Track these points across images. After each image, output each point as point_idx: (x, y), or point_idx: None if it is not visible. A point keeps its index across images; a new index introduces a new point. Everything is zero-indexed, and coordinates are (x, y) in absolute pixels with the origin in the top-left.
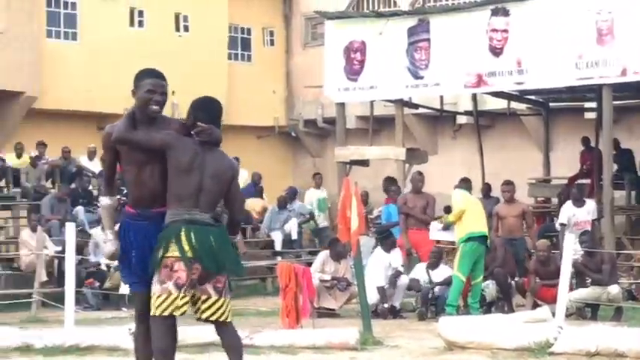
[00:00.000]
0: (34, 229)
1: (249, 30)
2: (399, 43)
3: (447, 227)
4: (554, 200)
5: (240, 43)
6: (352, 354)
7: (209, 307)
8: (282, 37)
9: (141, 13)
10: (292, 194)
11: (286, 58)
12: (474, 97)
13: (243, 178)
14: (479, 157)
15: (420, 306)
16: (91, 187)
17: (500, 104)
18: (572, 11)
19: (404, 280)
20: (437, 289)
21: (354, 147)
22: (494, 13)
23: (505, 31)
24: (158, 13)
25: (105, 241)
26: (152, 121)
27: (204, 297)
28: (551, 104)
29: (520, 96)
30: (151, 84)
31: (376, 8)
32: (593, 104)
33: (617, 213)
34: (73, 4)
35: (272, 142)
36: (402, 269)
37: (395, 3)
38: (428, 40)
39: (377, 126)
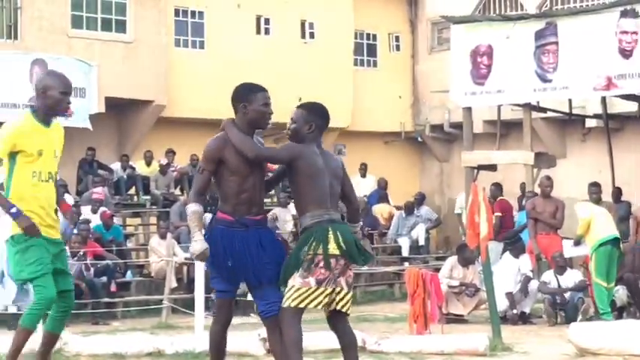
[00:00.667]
0: (163, 236)
1: (374, 36)
2: (527, 46)
3: (579, 242)
4: None
5: (365, 49)
6: None
7: (341, 299)
8: (408, 42)
9: (267, 21)
10: (420, 199)
11: (412, 63)
12: (604, 100)
13: (370, 184)
14: (608, 160)
15: (549, 311)
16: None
17: (631, 107)
18: None
19: (534, 285)
20: (567, 294)
21: (481, 152)
22: (624, 14)
23: (635, 32)
24: (284, 20)
25: (196, 239)
26: (252, 132)
27: (338, 289)
28: None
29: None
30: (265, 97)
31: (503, 12)
32: None
33: None
34: (201, 14)
35: (398, 148)
36: (531, 274)
37: (522, 6)
38: (556, 43)
39: (504, 130)
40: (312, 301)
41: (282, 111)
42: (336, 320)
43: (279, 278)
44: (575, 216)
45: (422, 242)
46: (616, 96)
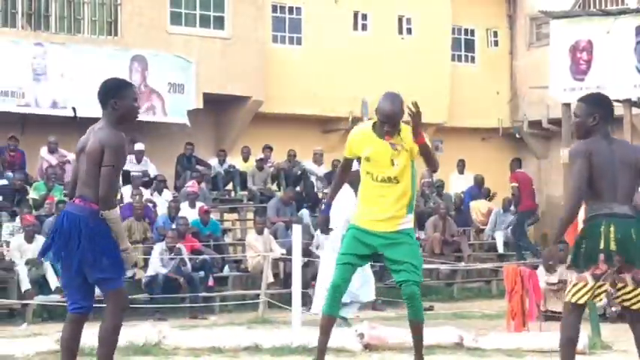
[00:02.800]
0: (260, 232)
1: (472, 31)
2: (627, 41)
3: None
4: None
5: (463, 45)
6: (581, 358)
7: (624, 295)
8: (506, 38)
9: (364, 17)
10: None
11: (510, 58)
12: None
13: (468, 181)
14: None
15: None
16: (316, 190)
17: None
18: None
19: None
20: None
21: None
22: None
23: None
24: (382, 16)
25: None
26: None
27: (620, 285)
28: None
29: None
30: (135, 93)
31: (603, 6)
32: None
33: None
34: (298, 9)
35: (496, 144)
36: None
37: (622, 0)
38: None
39: None
40: (589, 297)
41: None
42: (632, 316)
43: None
44: None
45: None
46: None
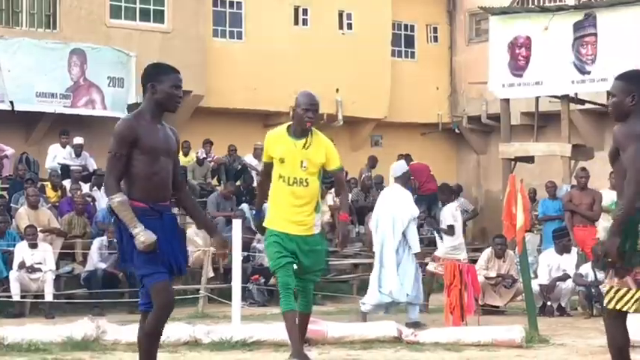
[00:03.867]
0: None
1: (412, 27)
2: (565, 38)
3: None
4: None
5: (403, 40)
6: (518, 351)
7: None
8: (445, 34)
9: (305, 12)
10: (457, 191)
11: (450, 54)
12: None
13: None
14: None
15: (584, 304)
16: (255, 185)
17: None
18: None
19: (568, 283)
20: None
21: (518, 143)
22: None
23: None
24: (322, 11)
25: (139, 232)
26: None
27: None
28: None
29: None
30: (177, 79)
31: (542, 3)
32: None
33: None
34: (239, 4)
35: (436, 139)
36: (571, 273)
37: None
38: (595, 34)
39: (542, 122)
40: (633, 304)
41: (320, 102)
42: None
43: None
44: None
45: None
46: None
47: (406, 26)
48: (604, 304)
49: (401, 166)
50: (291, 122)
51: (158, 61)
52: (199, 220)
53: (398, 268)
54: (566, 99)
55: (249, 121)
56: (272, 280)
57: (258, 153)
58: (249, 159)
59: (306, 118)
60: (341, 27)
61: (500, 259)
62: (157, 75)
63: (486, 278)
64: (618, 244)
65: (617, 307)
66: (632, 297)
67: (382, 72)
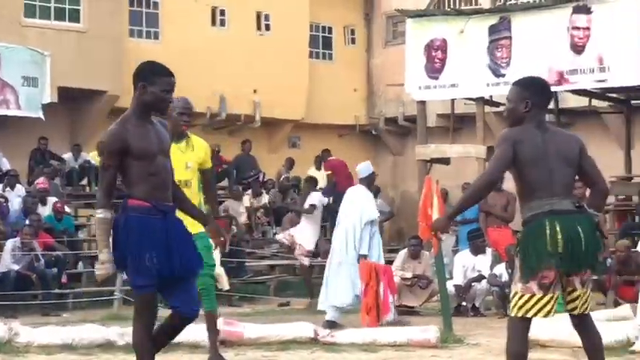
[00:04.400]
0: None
1: (330, 29)
2: (480, 41)
3: None
4: (635, 198)
5: (321, 42)
6: (433, 351)
7: (573, 300)
8: (363, 36)
9: (222, 12)
10: (374, 192)
11: (367, 56)
12: (555, 95)
13: (323, 178)
14: None
15: (498, 304)
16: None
17: (581, 102)
18: None
19: (483, 284)
20: None
21: (434, 145)
22: (576, 10)
23: (587, 28)
24: (240, 12)
25: (103, 259)
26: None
27: (569, 289)
28: (632, 102)
29: (601, 94)
30: (169, 83)
31: (457, 6)
32: None
33: None
34: (155, 4)
35: (353, 141)
36: (485, 274)
37: (476, 1)
38: (509, 37)
39: (458, 124)
40: (539, 310)
41: (237, 103)
42: (579, 320)
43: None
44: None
45: None
46: (567, 91)
47: (324, 28)
48: (509, 311)
49: (367, 168)
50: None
51: (152, 60)
52: (192, 212)
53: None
54: (481, 101)
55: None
56: None
57: None
58: None
59: (181, 122)
60: (259, 28)
61: (416, 259)
62: (149, 76)
63: (402, 279)
64: (443, 222)
65: (520, 314)
66: (536, 302)
67: (300, 73)
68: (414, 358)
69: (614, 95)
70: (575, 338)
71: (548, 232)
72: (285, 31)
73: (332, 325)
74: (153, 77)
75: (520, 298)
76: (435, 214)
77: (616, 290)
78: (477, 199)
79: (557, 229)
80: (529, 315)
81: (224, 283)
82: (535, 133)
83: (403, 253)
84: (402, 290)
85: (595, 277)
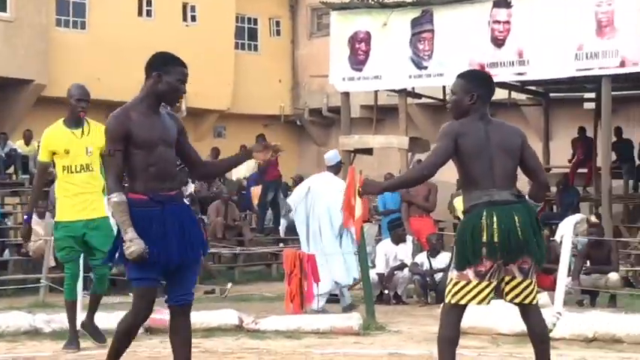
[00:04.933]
0: (41, 216)
1: (255, 20)
2: (403, 33)
3: None
4: (553, 189)
5: (247, 33)
6: (355, 339)
7: (512, 289)
8: (288, 28)
9: (149, 3)
10: (298, 182)
11: (292, 47)
12: None
13: (250, 167)
14: None
15: (419, 292)
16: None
17: (501, 94)
18: (573, 3)
19: (405, 273)
20: (437, 275)
21: (358, 136)
22: (497, 4)
23: (507, 22)
24: (166, 3)
25: (131, 238)
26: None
27: (507, 278)
28: (551, 94)
29: (521, 86)
30: (184, 73)
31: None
32: (592, 95)
33: (615, 202)
34: None
35: (278, 131)
36: (407, 262)
37: None
38: (431, 30)
39: (381, 115)
40: (473, 297)
41: None
42: (525, 309)
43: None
44: (447, 199)
45: None
46: None
47: (249, 19)
48: (445, 299)
49: (335, 155)
50: (64, 117)
51: (164, 51)
52: (230, 164)
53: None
54: (403, 93)
55: (93, 112)
56: (115, 269)
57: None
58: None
59: (79, 108)
60: (185, 19)
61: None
62: (164, 65)
63: None
64: (373, 186)
65: (454, 301)
66: (471, 290)
67: (226, 64)
68: (337, 344)
69: (533, 88)
70: (495, 325)
71: (485, 222)
72: (211, 22)
73: (352, 307)
74: (167, 67)
75: (455, 285)
76: (358, 204)
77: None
78: (405, 186)
79: (494, 219)
80: (463, 302)
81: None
82: (478, 126)
83: None
84: None
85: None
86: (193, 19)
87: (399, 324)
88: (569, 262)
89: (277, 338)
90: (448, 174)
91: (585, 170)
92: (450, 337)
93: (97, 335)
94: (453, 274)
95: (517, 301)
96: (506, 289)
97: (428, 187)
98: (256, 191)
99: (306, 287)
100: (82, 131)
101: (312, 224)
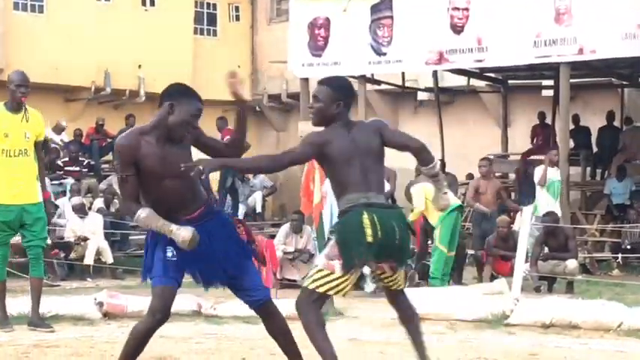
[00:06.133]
0: None
1: (214, 5)
2: (363, 19)
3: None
4: (512, 176)
5: (206, 18)
6: None
7: (382, 280)
8: (247, 13)
9: None
10: None
11: (251, 33)
12: (435, 74)
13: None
14: (439, 133)
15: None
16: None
17: (460, 81)
18: None
19: None
20: None
21: None
22: None
23: (466, 9)
24: None
25: (174, 230)
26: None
27: (378, 272)
28: (509, 81)
29: (479, 73)
30: (199, 110)
31: None
32: (551, 82)
33: (572, 189)
34: None
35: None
36: None
37: None
38: (391, 17)
39: None
40: (333, 288)
41: (121, 78)
42: (393, 294)
43: (246, 262)
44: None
45: (259, 209)
46: (447, 70)
47: (208, 4)
48: (304, 283)
49: None
50: (5, 101)
51: (183, 83)
52: (240, 124)
53: None
54: (363, 79)
55: (50, 96)
56: (72, 255)
57: (58, 128)
58: (49, 133)
59: (19, 94)
60: (144, 3)
61: (298, 234)
62: (179, 96)
63: (284, 253)
64: (212, 166)
65: (312, 286)
66: (333, 280)
67: (184, 49)
68: (294, 330)
69: (492, 75)
70: (451, 311)
71: (365, 221)
72: (170, 7)
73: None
74: (182, 98)
75: (318, 272)
76: (317, 190)
77: (492, 265)
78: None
79: (375, 219)
80: (320, 290)
81: (108, 256)
82: (342, 133)
83: (285, 227)
84: (284, 264)
85: (472, 252)
86: (152, 3)
87: (357, 309)
88: (527, 249)
89: (235, 323)
90: (405, 161)
91: (542, 157)
92: (317, 321)
93: (44, 325)
94: (320, 261)
95: (389, 285)
96: (380, 275)
97: (387, 174)
98: (213, 177)
99: (265, 273)
100: (23, 116)
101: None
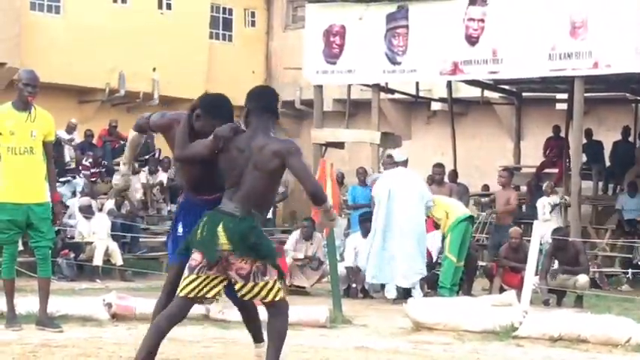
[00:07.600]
0: None
1: (230, 10)
2: (378, 28)
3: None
4: (524, 188)
5: (221, 23)
6: (322, 331)
7: (239, 290)
8: (263, 19)
9: None
10: None
11: (267, 39)
12: (449, 84)
13: None
14: (451, 143)
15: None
16: (68, 159)
17: (474, 92)
18: (548, 3)
19: None
20: None
21: (330, 129)
22: (472, 2)
23: (482, 20)
24: None
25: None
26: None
27: (233, 281)
28: (523, 94)
29: (494, 85)
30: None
31: None
32: (565, 95)
33: (584, 202)
34: None
35: None
36: None
37: None
38: (406, 26)
39: (353, 109)
40: (183, 288)
41: (136, 80)
42: (266, 307)
43: None
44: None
45: (269, 216)
46: (461, 81)
47: (224, 9)
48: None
49: (403, 152)
50: (13, 100)
51: (223, 96)
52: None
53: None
54: (376, 88)
55: (64, 97)
56: (82, 256)
57: (71, 129)
58: (61, 133)
59: (26, 92)
60: (160, 6)
61: (308, 241)
62: (211, 107)
63: (294, 260)
64: (227, 130)
65: (182, 294)
66: (184, 280)
67: (199, 53)
68: (304, 337)
69: (506, 87)
70: (460, 322)
71: (201, 223)
72: (186, 11)
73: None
74: (211, 111)
75: (184, 279)
76: (329, 197)
77: (502, 277)
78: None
79: (205, 221)
80: (181, 294)
81: (117, 258)
82: (243, 138)
83: (296, 234)
84: (293, 271)
85: (483, 264)
86: (169, 6)
87: (366, 318)
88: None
89: (243, 329)
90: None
91: (556, 170)
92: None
93: (53, 325)
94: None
95: (247, 299)
96: (237, 292)
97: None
98: None
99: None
100: (29, 115)
101: (394, 220)
